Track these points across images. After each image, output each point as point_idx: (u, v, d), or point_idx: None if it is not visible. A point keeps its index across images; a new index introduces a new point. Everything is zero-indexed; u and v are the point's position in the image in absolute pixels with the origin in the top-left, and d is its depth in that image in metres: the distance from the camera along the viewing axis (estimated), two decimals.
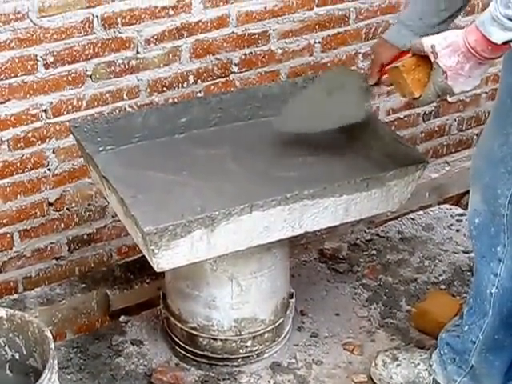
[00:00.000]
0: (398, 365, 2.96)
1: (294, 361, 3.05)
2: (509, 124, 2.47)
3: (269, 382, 2.96)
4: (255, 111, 3.08)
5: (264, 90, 3.15)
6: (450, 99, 3.90)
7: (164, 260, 2.54)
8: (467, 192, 3.05)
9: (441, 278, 3.37)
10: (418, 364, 2.93)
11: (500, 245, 2.61)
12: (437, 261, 3.51)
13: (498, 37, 2.11)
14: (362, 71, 3.42)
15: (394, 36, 2.74)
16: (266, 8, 3.27)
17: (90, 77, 3.02)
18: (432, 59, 2.25)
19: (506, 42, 2.12)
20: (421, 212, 3.81)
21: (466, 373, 2.81)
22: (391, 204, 2.85)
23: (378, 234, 3.71)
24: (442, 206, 3.92)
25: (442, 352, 2.86)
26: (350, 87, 2.88)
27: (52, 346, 2.28)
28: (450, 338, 2.85)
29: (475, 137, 4.13)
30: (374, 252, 3.61)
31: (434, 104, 3.85)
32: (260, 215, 2.58)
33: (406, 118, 3.86)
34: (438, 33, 2.35)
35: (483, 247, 2.67)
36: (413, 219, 3.78)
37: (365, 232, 3.70)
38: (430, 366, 2.90)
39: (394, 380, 2.95)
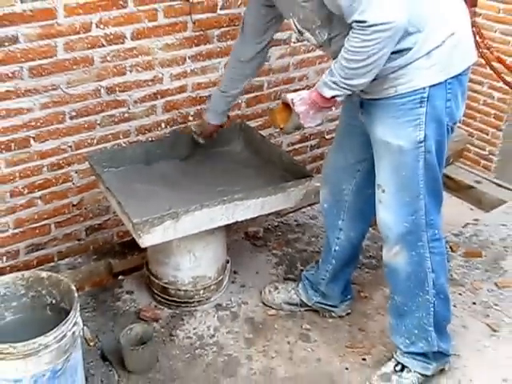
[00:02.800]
0: (278, 292, 3.03)
1: (229, 302, 3.07)
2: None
3: (214, 316, 2.98)
4: (206, 146, 3.05)
5: None
6: (327, 137, 3.92)
7: (146, 240, 2.57)
8: None
9: (321, 248, 3.38)
10: (291, 291, 3.01)
11: (340, 220, 2.71)
12: (319, 238, 3.52)
13: (328, 94, 2.15)
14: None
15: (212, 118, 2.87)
16: (210, 80, 3.27)
17: (99, 124, 3.01)
18: (292, 107, 2.26)
19: (333, 97, 2.17)
20: (309, 207, 3.80)
21: (319, 294, 2.92)
22: (290, 202, 2.88)
23: (282, 222, 3.69)
24: None
25: (304, 283, 2.96)
26: None
27: (75, 295, 2.31)
28: (308, 274, 2.96)
29: None
30: (280, 233, 3.60)
31: (317, 139, 3.87)
32: (207, 211, 2.62)
33: (299, 149, 3.83)
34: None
35: (330, 222, 2.77)
36: (304, 212, 3.78)
37: (274, 220, 3.67)
38: (298, 291, 2.99)
39: (276, 301, 3.02)
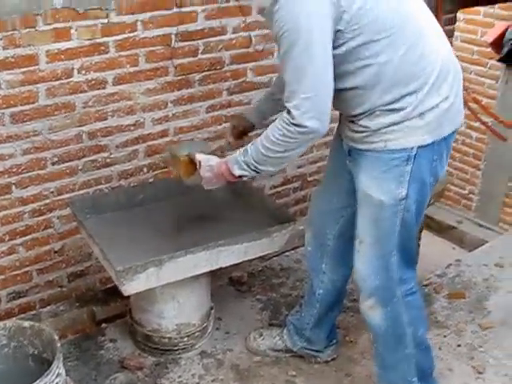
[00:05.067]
0: (262, 338, 2.99)
1: (214, 349, 3.03)
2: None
3: (199, 363, 2.94)
4: (189, 191, 2.99)
5: None
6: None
7: (129, 287, 2.55)
8: None
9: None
10: (275, 337, 2.97)
11: (323, 263, 2.69)
12: (304, 282, 3.45)
13: (238, 172, 2.24)
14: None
15: (250, 113, 2.76)
16: (192, 123, 3.28)
17: (81, 170, 3.00)
18: (198, 168, 2.37)
19: (240, 176, 2.26)
20: (292, 251, 3.78)
21: (304, 340, 2.88)
22: (274, 247, 2.87)
23: (266, 266, 3.67)
24: None
25: (289, 328, 2.92)
26: None
27: (58, 344, 2.29)
28: (293, 319, 2.92)
29: None
30: (264, 278, 3.57)
31: (299, 181, 3.86)
32: (191, 257, 2.60)
33: (282, 191, 3.82)
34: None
35: (313, 265, 2.75)
36: (288, 256, 3.76)
37: (258, 265, 3.66)
38: (283, 337, 2.94)
39: (261, 348, 2.98)
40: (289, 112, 2.05)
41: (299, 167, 3.67)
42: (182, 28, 3.06)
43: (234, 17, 3.21)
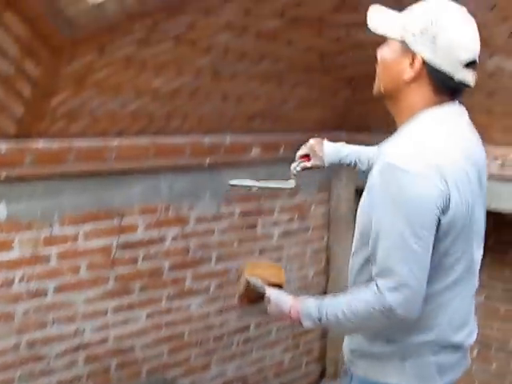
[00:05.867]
0: None
1: None
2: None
3: None
4: None
5: None
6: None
7: None
8: None
9: None
10: None
11: None
12: None
13: (307, 325, 1.98)
14: None
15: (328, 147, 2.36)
16: (131, 330, 3.28)
17: (18, 379, 2.91)
18: (266, 302, 2.05)
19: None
20: None
21: None
22: None
23: None
24: None
25: None
26: None
27: None
28: None
29: None
30: None
31: None
32: None
33: None
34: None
35: None
36: None
37: None
38: None
39: None
40: (380, 291, 1.82)
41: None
42: (122, 238, 3.20)
43: (173, 226, 3.38)
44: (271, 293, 2.05)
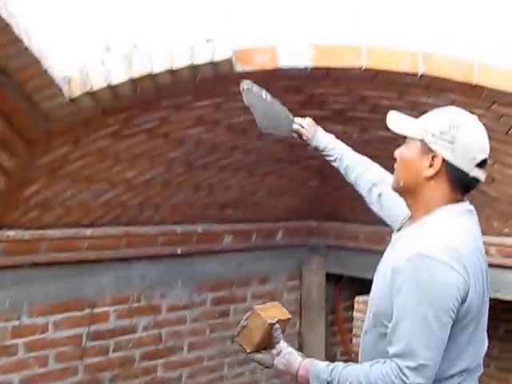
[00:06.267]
0: None
1: None
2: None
3: None
4: None
5: None
6: None
7: None
8: None
9: None
10: None
11: None
12: None
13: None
14: None
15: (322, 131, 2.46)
16: None
17: None
18: (275, 353, 2.02)
19: None
20: None
21: None
22: None
23: None
24: None
25: None
26: None
27: None
28: None
29: None
30: None
31: None
32: None
33: None
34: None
35: None
36: None
37: None
38: None
39: None
40: (402, 371, 1.86)
41: None
42: (93, 327, 3.18)
43: (145, 315, 3.38)
44: (283, 346, 2.02)
